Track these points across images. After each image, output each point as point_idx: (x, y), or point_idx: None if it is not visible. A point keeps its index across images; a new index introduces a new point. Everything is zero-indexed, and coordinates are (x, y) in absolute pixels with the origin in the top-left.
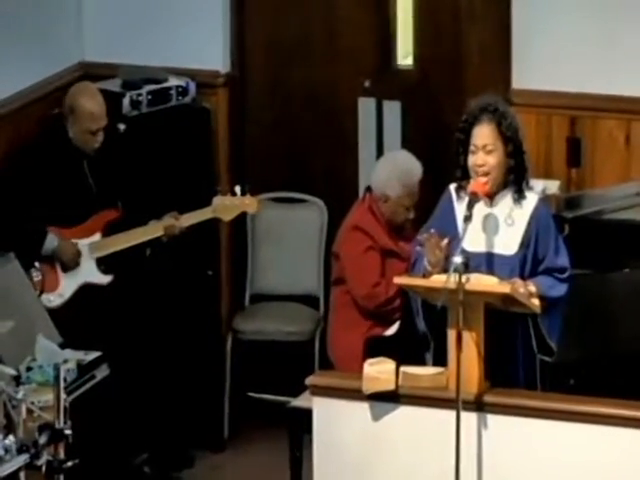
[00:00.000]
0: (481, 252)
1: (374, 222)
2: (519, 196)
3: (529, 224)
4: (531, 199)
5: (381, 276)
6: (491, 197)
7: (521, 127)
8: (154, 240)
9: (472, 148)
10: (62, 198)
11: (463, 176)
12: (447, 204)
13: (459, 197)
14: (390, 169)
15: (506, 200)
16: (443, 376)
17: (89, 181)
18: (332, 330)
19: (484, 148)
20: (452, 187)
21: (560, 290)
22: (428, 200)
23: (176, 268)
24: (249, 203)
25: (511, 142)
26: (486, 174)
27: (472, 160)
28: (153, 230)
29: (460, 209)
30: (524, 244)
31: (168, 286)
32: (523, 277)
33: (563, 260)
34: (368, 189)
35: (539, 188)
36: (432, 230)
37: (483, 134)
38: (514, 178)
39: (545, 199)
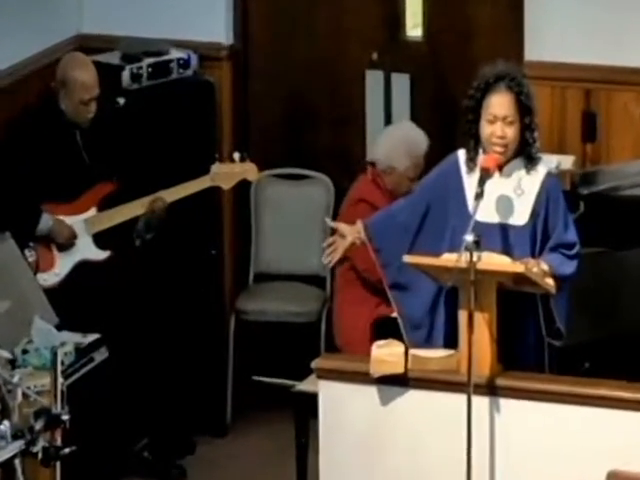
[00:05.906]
0: (492, 223)
1: (379, 194)
2: (531, 166)
3: (539, 194)
4: (540, 170)
5: None
6: (500, 167)
7: (535, 97)
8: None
9: (490, 117)
10: (55, 171)
11: (476, 146)
12: (454, 171)
13: (468, 168)
14: (396, 141)
15: (515, 170)
16: (454, 359)
17: (82, 153)
18: (338, 309)
19: (504, 119)
20: (461, 154)
21: (570, 267)
22: None
23: (179, 247)
24: (249, 169)
25: (529, 115)
26: (504, 146)
27: (489, 130)
28: (139, 206)
29: (469, 182)
30: (535, 214)
31: (170, 265)
32: (534, 251)
33: (572, 235)
34: (371, 164)
35: (553, 164)
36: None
37: (503, 104)
38: (525, 149)
39: (559, 175)
